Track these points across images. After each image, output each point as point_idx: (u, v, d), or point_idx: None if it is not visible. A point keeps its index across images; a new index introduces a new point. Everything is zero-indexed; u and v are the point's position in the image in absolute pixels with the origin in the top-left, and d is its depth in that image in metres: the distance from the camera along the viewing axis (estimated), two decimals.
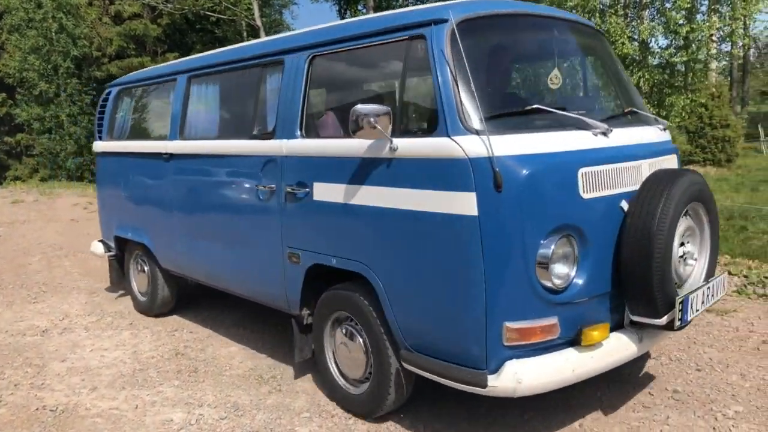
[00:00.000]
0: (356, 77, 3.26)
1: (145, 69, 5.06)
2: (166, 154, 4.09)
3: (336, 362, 3.12)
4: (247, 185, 3.41)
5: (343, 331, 3.03)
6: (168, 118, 4.17)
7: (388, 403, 2.85)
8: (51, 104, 18.65)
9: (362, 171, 2.70)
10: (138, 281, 4.84)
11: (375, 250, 2.70)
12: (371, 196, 2.66)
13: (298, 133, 3.05)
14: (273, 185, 3.18)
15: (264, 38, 3.87)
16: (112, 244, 5.00)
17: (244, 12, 19.12)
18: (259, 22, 18.57)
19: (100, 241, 5.21)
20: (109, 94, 5.02)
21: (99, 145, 5.02)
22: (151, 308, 4.67)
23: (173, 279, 4.57)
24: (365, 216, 2.70)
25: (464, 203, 2.31)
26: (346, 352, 3.03)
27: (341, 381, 3.10)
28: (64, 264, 6.66)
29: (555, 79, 2.88)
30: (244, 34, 21.75)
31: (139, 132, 4.86)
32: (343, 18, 23.19)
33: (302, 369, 3.58)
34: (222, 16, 19.35)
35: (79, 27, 18.64)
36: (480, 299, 2.33)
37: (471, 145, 2.31)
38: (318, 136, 3.08)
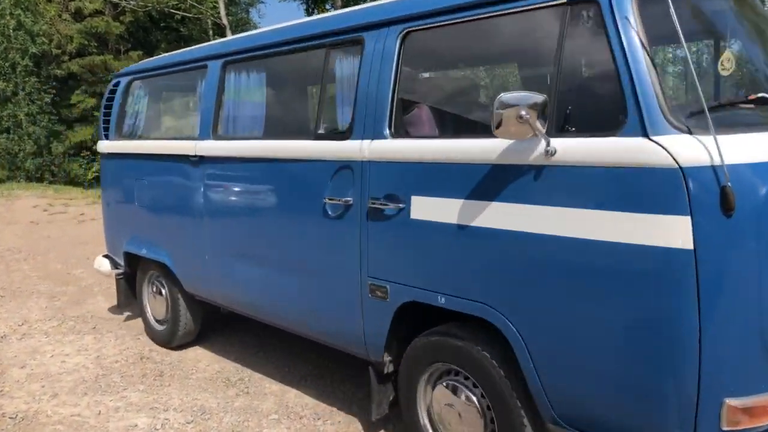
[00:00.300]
0: (476, 57, 2.71)
1: (163, 55, 4.28)
2: (194, 156, 3.43)
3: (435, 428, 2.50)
4: (309, 197, 2.74)
5: (446, 385, 2.37)
6: (196, 113, 3.55)
7: None
8: (9, 103, 18.09)
9: (496, 182, 2.04)
10: (154, 306, 4.15)
11: (512, 289, 2.04)
12: (511, 216, 1.99)
13: (387, 131, 2.40)
14: (348, 198, 2.54)
15: (332, 12, 3.08)
16: (121, 261, 4.31)
17: (210, 10, 18.87)
18: (225, 21, 18.35)
19: (105, 256, 4.50)
20: (117, 85, 4.30)
21: (105, 145, 4.35)
22: (171, 339, 3.97)
23: (198, 304, 3.88)
24: (498, 243, 2.04)
25: (671, 232, 1.65)
26: (452, 416, 2.35)
27: None
28: (23, 268, 6.46)
29: (727, 62, 2.07)
30: (210, 32, 21.46)
31: (157, 130, 4.27)
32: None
33: (269, 371, 3.58)
34: (187, 14, 19.04)
35: (37, 24, 18.11)
36: (690, 365, 1.68)
37: (684, 149, 1.65)
38: (408, 135, 2.45)
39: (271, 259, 3.03)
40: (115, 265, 4.39)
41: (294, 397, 3.26)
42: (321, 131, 2.78)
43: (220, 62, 3.36)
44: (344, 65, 2.69)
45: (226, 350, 3.96)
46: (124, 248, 4.21)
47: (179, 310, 3.88)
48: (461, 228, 2.14)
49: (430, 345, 2.38)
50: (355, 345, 2.67)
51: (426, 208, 2.26)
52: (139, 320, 4.49)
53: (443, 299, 2.23)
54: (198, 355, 3.90)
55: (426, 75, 2.87)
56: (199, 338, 4.13)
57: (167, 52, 4.39)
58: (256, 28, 23.38)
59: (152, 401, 3.26)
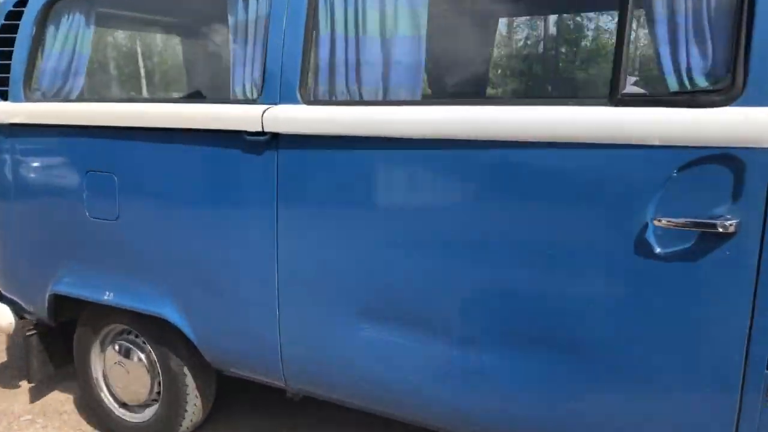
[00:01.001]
0: None
1: None
2: (257, 133, 1.87)
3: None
4: (601, 216, 1.48)
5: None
6: (248, 53, 1.96)
7: None
8: None
9: None
10: (118, 381, 2.50)
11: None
12: None
13: None
14: (729, 219, 1.32)
15: None
16: (36, 308, 2.58)
17: None
18: None
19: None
20: (18, 5, 2.43)
21: (9, 110, 2.47)
22: None
23: (212, 377, 2.40)
24: None
25: None
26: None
27: None
28: None
29: None
30: None
31: (127, 86, 2.75)
32: None
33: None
34: None
35: None
36: None
37: None
38: None
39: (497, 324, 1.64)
40: (20, 314, 2.65)
41: None
42: (623, 90, 1.46)
43: None
44: None
45: None
46: (51, 289, 2.47)
47: (184, 391, 2.32)
48: None
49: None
50: None
51: None
52: (71, 404, 2.82)
53: None
54: None
55: None
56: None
57: None
58: None
59: None
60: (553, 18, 1.77)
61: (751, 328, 1.35)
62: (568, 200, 1.51)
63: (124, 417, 2.51)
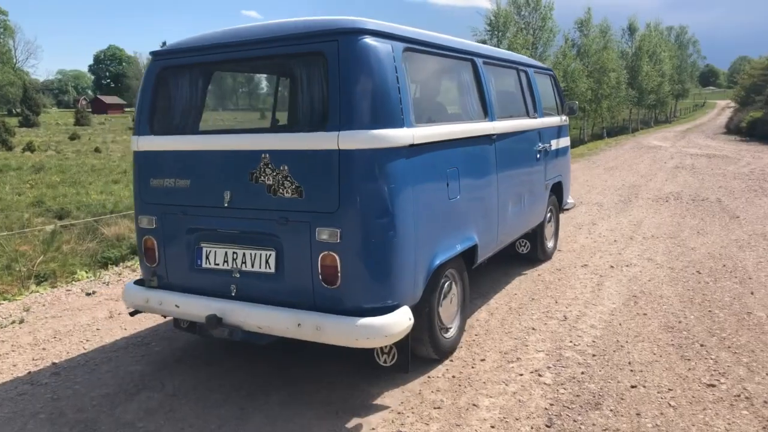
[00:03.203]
0: None
1: (431, 33, 3.77)
2: (490, 136, 4.23)
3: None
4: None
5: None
6: (471, 98, 4.20)
7: None
8: None
9: None
10: (447, 310, 3.82)
11: None
12: None
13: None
14: None
15: None
16: (414, 289, 3.27)
17: None
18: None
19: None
20: (378, 53, 3.03)
21: (408, 135, 3.14)
22: None
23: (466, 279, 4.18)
24: None
25: None
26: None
27: None
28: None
29: None
30: None
31: (441, 112, 4.06)
32: None
33: None
34: None
35: None
36: None
37: None
38: None
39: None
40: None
41: None
42: None
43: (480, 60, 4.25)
44: None
45: None
46: (432, 263, 3.42)
47: (466, 293, 4.19)
48: None
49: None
50: None
51: None
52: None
53: None
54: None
55: None
56: None
57: None
58: None
59: None
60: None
61: None
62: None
63: (446, 336, 3.81)
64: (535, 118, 5.26)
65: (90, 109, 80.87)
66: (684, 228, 7.79)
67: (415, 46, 3.39)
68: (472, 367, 3.71)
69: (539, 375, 3.58)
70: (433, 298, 3.55)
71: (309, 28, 3.08)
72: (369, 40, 2.99)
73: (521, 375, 3.59)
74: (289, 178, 3.05)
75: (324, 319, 2.96)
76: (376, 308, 3.00)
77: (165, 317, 3.79)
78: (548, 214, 6.13)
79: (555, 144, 5.88)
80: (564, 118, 6.28)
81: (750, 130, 27.16)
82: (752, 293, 5.01)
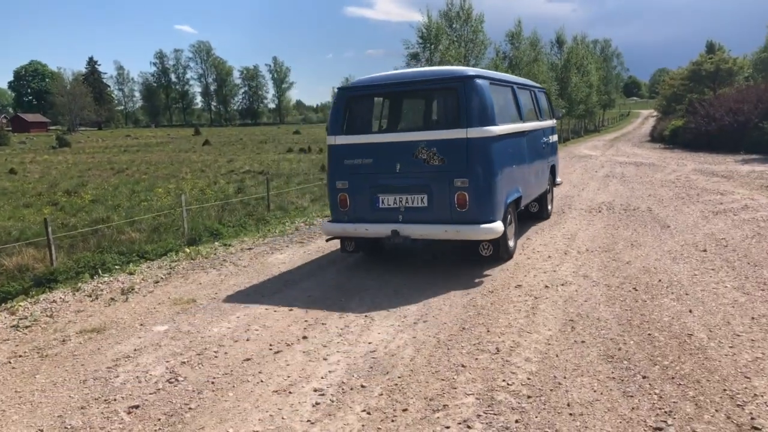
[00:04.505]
0: None
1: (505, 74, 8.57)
2: (523, 131, 7.52)
3: None
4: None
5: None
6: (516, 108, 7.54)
7: None
8: None
9: None
10: (511, 232, 7.14)
11: None
12: None
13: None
14: None
15: None
16: (501, 215, 6.26)
17: None
18: None
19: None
20: (482, 86, 6.05)
21: (497, 129, 6.17)
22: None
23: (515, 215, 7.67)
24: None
25: None
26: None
27: None
28: None
29: None
30: None
31: (504, 117, 6.77)
32: None
33: None
34: None
35: None
36: None
37: None
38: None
39: None
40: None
41: None
42: None
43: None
44: None
45: None
46: (507, 201, 6.46)
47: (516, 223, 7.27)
48: None
49: None
50: None
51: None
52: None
53: None
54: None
55: None
56: None
57: None
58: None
59: None
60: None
61: None
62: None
63: (510, 245, 6.82)
64: (541, 120, 8.69)
65: (10, 128, 76.40)
66: (618, 240, 7.64)
67: (494, 81, 6.63)
68: (392, 421, 3.21)
69: (468, 427, 3.12)
70: (506, 222, 6.37)
71: (449, 74, 6.17)
72: (478, 80, 6.00)
73: (448, 428, 3.11)
74: (436, 155, 5.92)
75: (460, 227, 5.91)
76: (487, 220, 5.95)
77: (341, 246, 6.84)
78: (548, 186, 9.34)
79: (551, 138, 9.54)
80: (554, 121, 9.93)
81: (672, 138, 28.33)
82: (690, 311, 4.76)
